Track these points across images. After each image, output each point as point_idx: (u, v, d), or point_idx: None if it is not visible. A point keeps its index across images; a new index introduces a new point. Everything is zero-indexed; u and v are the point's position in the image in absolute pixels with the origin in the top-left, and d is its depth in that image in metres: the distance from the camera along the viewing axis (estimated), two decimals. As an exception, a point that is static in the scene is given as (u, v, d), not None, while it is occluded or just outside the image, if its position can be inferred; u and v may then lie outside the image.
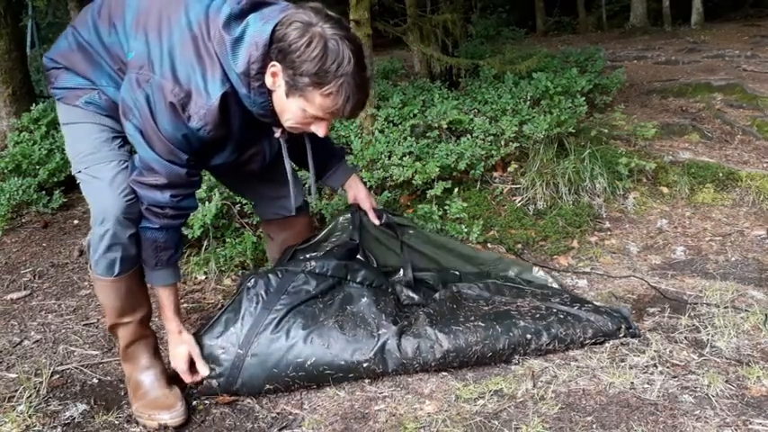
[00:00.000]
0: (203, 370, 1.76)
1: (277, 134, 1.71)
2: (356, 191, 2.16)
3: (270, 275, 1.89)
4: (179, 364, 1.77)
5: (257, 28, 1.48)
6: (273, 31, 1.45)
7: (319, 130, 1.58)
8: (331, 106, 1.49)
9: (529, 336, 1.88)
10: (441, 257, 2.29)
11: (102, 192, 1.64)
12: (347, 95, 1.47)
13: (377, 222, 2.15)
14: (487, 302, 2.04)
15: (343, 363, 1.78)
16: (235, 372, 1.76)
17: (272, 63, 1.47)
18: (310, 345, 1.78)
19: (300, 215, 2.08)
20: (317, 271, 1.94)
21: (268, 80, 1.49)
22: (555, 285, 2.26)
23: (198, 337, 1.80)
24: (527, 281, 2.25)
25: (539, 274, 2.32)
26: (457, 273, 2.27)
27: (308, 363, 1.77)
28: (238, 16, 1.51)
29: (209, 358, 1.78)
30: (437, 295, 2.07)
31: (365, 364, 1.79)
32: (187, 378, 1.78)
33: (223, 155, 1.68)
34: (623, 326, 1.96)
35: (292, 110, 1.52)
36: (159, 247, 1.68)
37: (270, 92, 1.53)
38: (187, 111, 1.50)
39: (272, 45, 1.46)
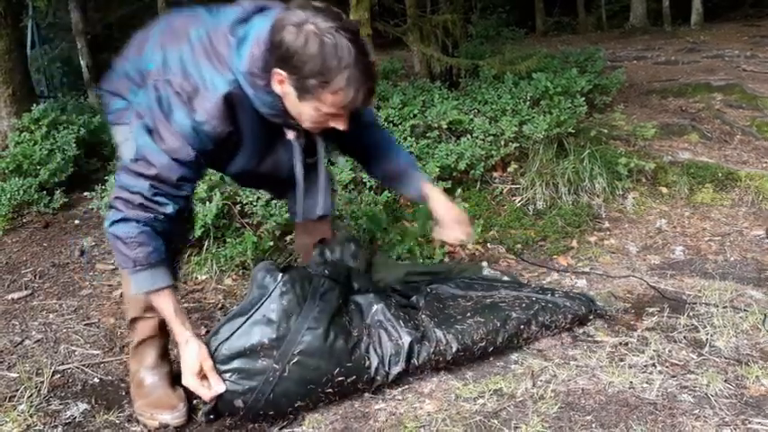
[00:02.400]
0: (218, 386, 1.60)
1: (289, 136, 1.68)
2: (437, 204, 1.92)
3: (303, 279, 1.74)
4: (189, 381, 1.60)
5: (261, 25, 1.49)
6: (271, 33, 1.45)
7: (339, 124, 1.56)
8: (344, 101, 1.47)
9: (522, 326, 1.94)
10: (408, 269, 2.38)
11: None
12: (357, 87, 1.45)
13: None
14: (465, 299, 2.06)
15: (379, 378, 1.75)
16: (266, 388, 1.61)
17: (275, 70, 1.46)
18: (350, 364, 1.70)
19: (322, 222, 2.02)
20: (333, 277, 1.80)
21: (276, 87, 1.49)
22: (506, 278, 2.35)
23: (215, 344, 1.63)
24: (482, 278, 2.31)
25: (486, 272, 2.41)
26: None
27: (348, 381, 1.71)
28: (243, 20, 1.54)
29: (238, 372, 1.61)
30: (422, 293, 2.08)
31: (396, 375, 1.77)
32: (205, 395, 1.60)
33: (239, 161, 1.66)
34: (592, 308, 2.12)
35: (308, 112, 1.51)
36: (132, 243, 1.53)
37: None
38: (193, 104, 1.50)
39: (272, 51, 1.45)
